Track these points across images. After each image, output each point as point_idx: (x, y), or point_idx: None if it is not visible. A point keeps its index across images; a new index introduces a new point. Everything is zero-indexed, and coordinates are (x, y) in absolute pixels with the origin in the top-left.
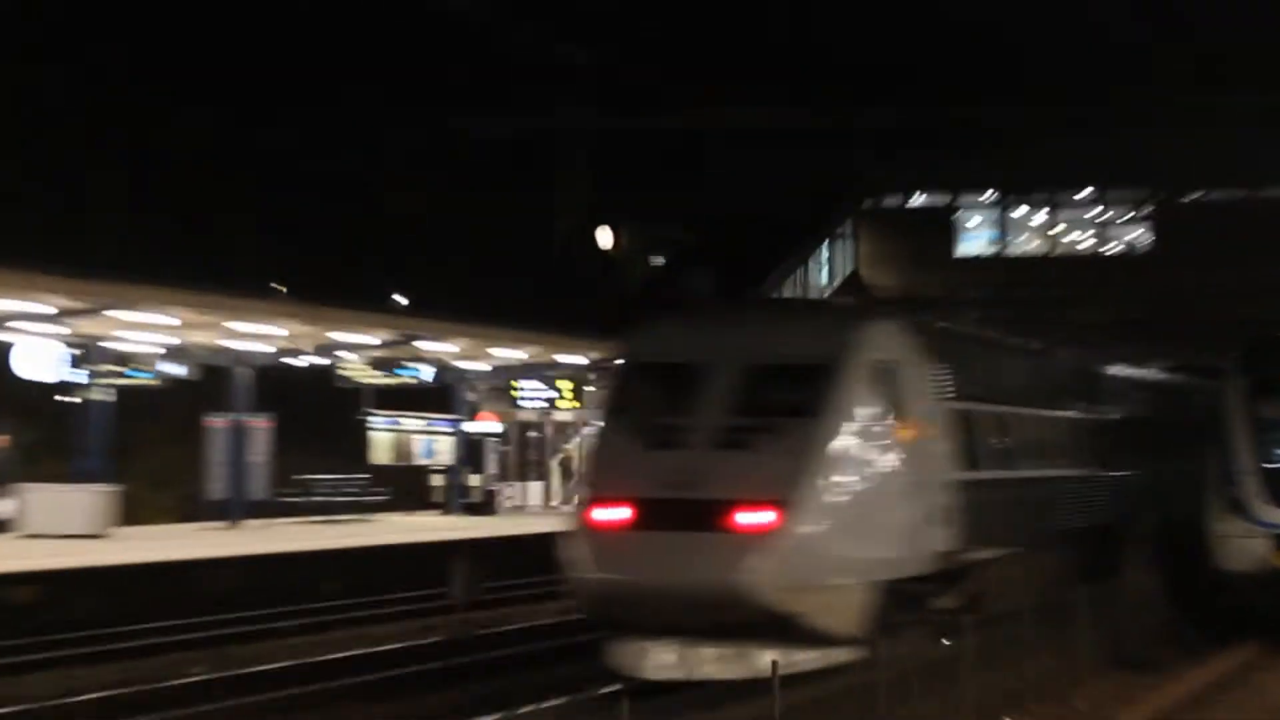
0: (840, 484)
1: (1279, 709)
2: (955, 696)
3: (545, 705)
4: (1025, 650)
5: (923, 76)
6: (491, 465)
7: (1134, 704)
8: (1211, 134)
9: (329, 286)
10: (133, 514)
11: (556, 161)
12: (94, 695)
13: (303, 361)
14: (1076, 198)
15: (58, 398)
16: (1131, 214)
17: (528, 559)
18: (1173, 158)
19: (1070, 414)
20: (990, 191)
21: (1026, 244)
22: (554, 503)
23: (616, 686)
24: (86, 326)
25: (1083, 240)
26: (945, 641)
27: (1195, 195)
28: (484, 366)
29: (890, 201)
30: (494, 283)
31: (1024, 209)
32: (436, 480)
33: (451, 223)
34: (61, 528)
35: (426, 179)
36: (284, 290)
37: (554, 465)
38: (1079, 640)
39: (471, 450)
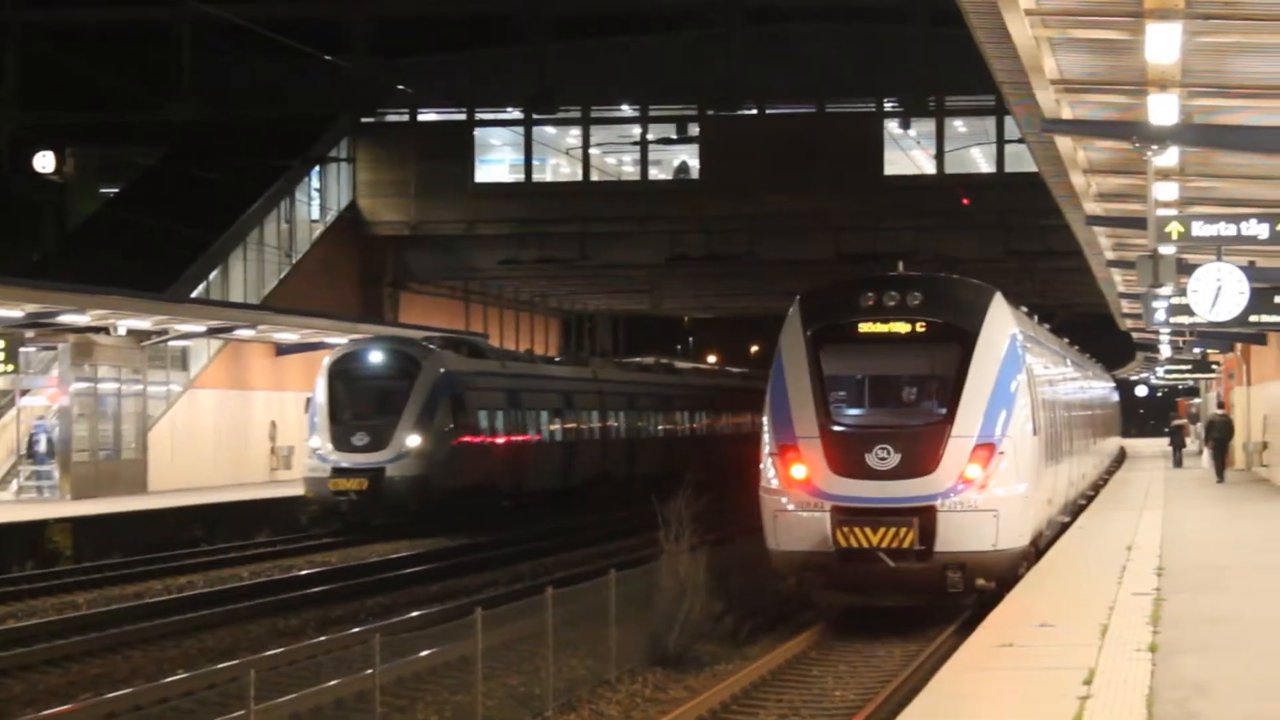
0: None
1: (835, 708)
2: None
3: None
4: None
5: None
6: None
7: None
8: (774, 34)
9: None
10: None
11: None
12: None
13: None
14: (614, 114)
15: None
16: (676, 134)
17: None
18: (725, 64)
19: None
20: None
21: (559, 170)
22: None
23: None
24: None
25: (625, 165)
26: None
27: (750, 110)
28: None
29: (395, 117)
30: None
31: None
32: None
33: None
34: None
35: None
36: None
37: None
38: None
39: None
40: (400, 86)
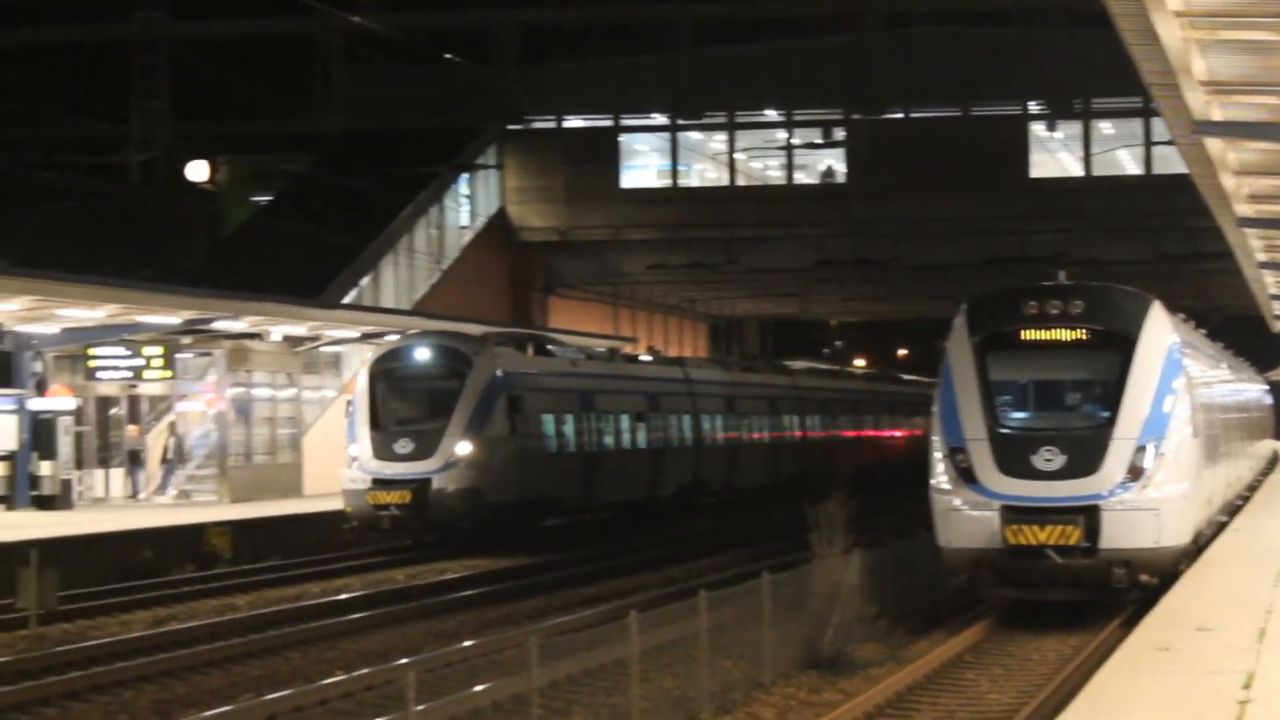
0: None
1: (991, 712)
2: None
3: None
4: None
5: None
6: (66, 450)
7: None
8: (918, 38)
9: None
10: None
11: (131, 77)
12: None
13: None
14: (760, 119)
15: None
16: (821, 139)
17: (112, 561)
18: (869, 69)
19: None
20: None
21: (704, 175)
22: (146, 493)
23: None
24: None
25: (771, 169)
26: None
27: (896, 115)
28: (51, 330)
29: (541, 124)
30: (61, 227)
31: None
32: None
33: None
34: None
35: None
36: None
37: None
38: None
39: (40, 432)
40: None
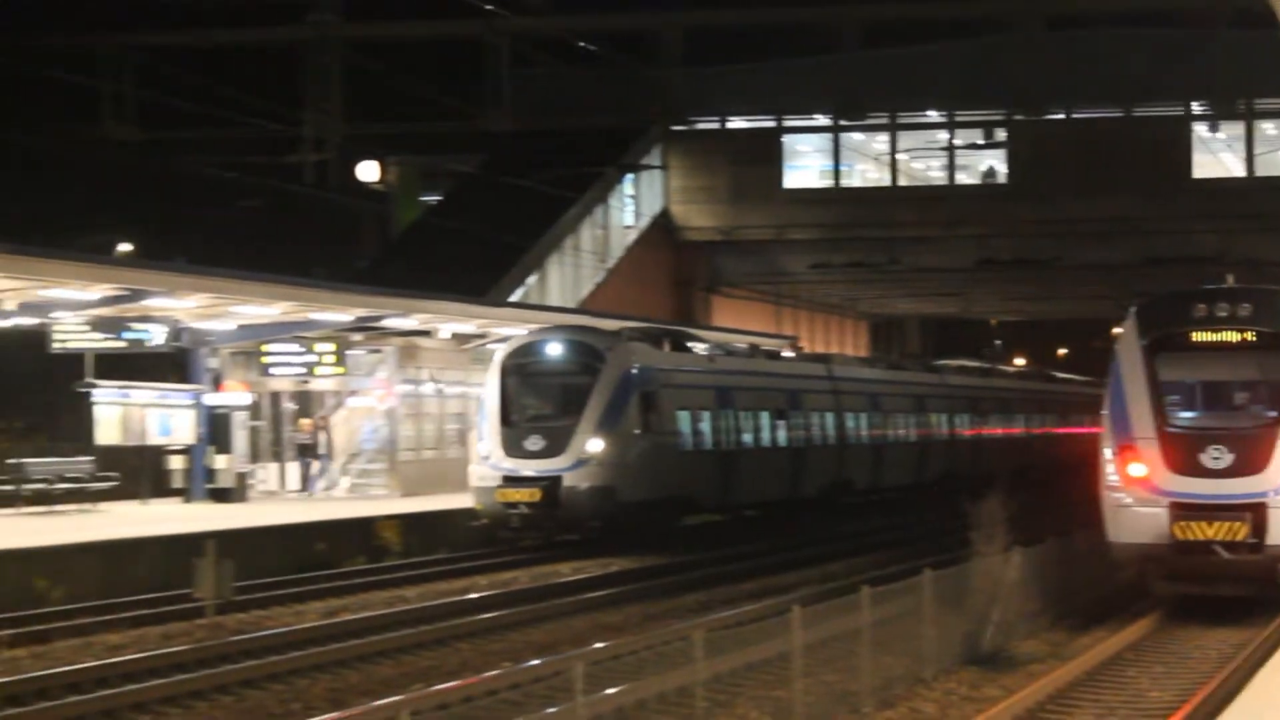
0: None
1: (1151, 708)
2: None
3: None
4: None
5: None
6: (241, 444)
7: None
8: (1079, 40)
9: (36, 231)
10: None
11: (304, 79)
12: None
13: (6, 323)
14: (921, 119)
15: None
16: (983, 139)
17: (285, 553)
18: (1030, 70)
19: None
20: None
21: (866, 175)
22: (318, 487)
23: None
24: None
25: (932, 170)
26: None
27: (1058, 115)
28: (228, 327)
29: (705, 125)
30: (236, 227)
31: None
32: (175, 462)
33: (175, 155)
34: None
35: (142, 101)
36: None
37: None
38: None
39: (216, 426)
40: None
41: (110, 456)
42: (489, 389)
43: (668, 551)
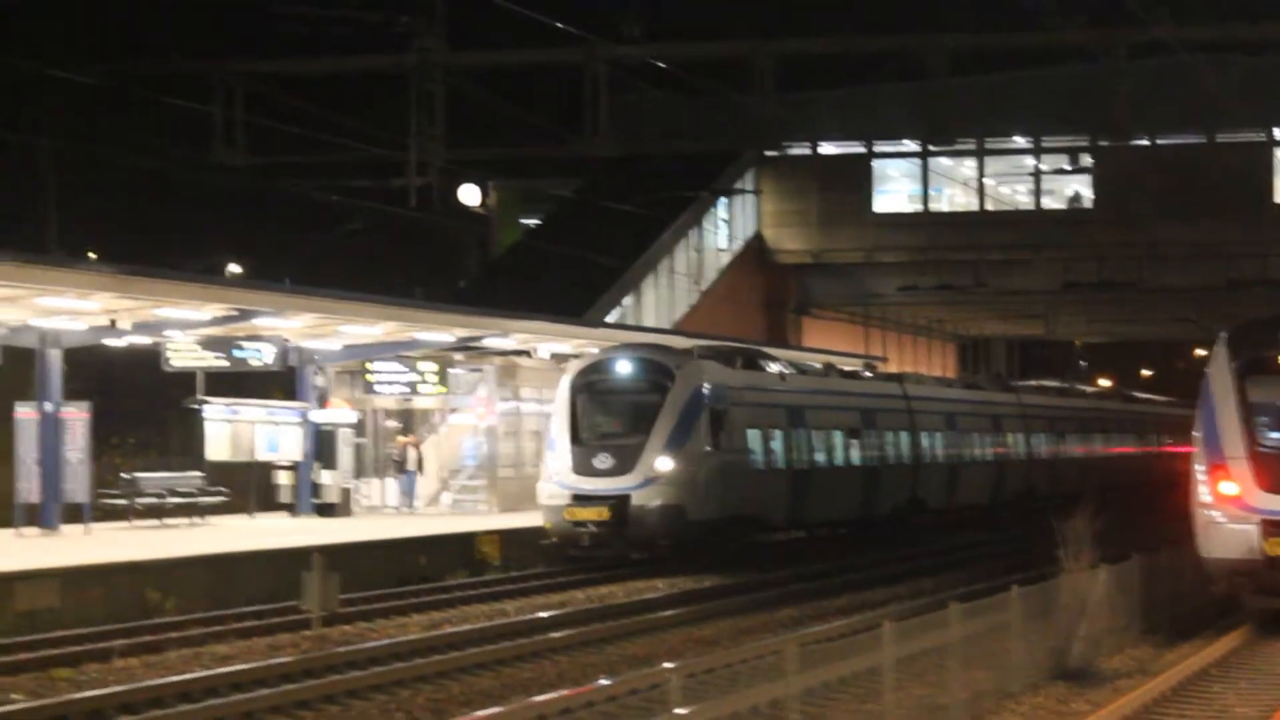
0: None
1: None
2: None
3: None
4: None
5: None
6: (345, 460)
7: None
8: (1163, 67)
9: (148, 253)
10: None
11: (408, 105)
12: None
13: (122, 341)
14: (1008, 145)
15: None
16: (1069, 165)
17: (389, 567)
18: (1115, 97)
19: None
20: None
21: (954, 199)
22: (412, 503)
23: None
24: None
25: (1019, 194)
26: None
27: (1142, 141)
28: (335, 346)
29: (797, 150)
30: (341, 249)
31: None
32: (282, 478)
33: (282, 179)
34: None
35: (251, 126)
36: (92, 256)
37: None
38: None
39: (322, 443)
40: (801, 121)
41: (219, 472)
42: (558, 407)
43: (757, 568)
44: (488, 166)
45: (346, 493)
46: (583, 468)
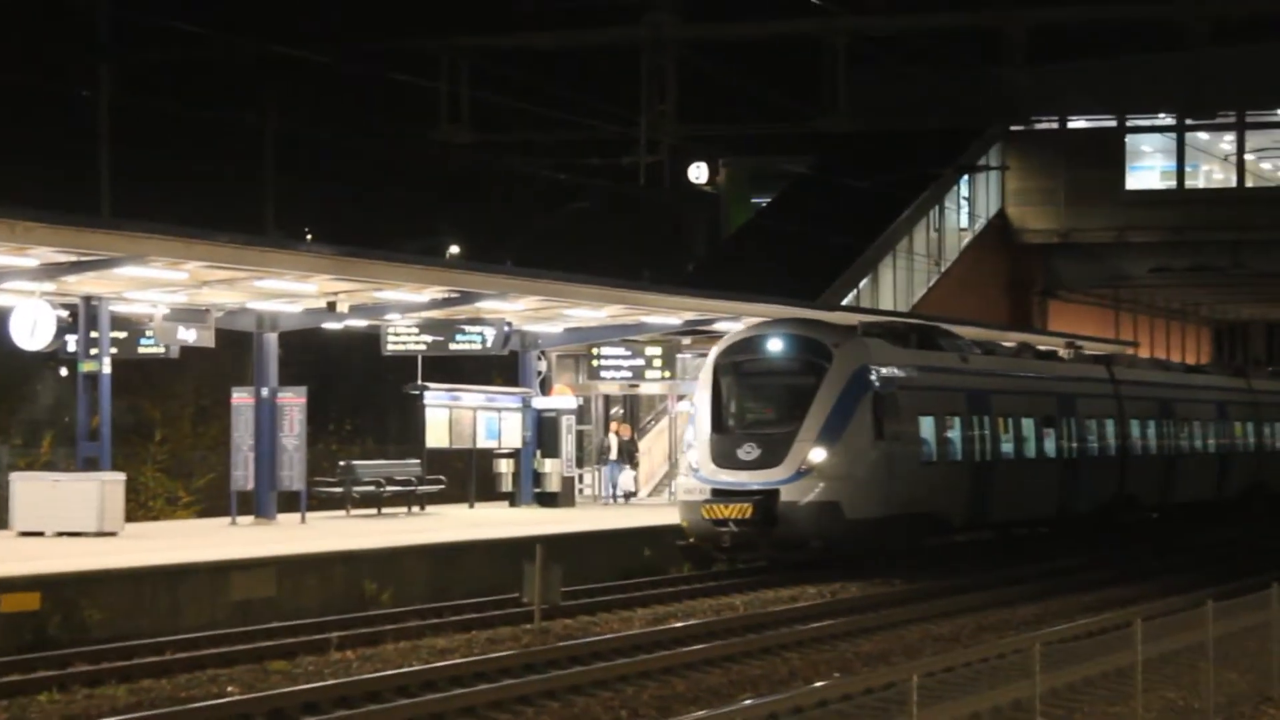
0: None
1: None
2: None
3: None
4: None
5: None
6: (568, 448)
7: None
8: None
9: (367, 233)
10: (143, 508)
11: (639, 80)
12: None
13: (339, 325)
14: (1272, 118)
15: (60, 371)
16: None
17: (612, 558)
18: None
19: None
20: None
21: (1210, 176)
22: (634, 491)
23: None
24: (79, 285)
25: None
26: None
27: None
28: (557, 329)
29: (1044, 125)
30: (564, 229)
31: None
32: (503, 466)
33: (507, 157)
34: (60, 524)
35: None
36: (309, 237)
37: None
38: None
39: (544, 430)
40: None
41: (438, 459)
42: (700, 391)
43: (997, 564)
44: (720, 143)
45: (569, 482)
46: (725, 459)
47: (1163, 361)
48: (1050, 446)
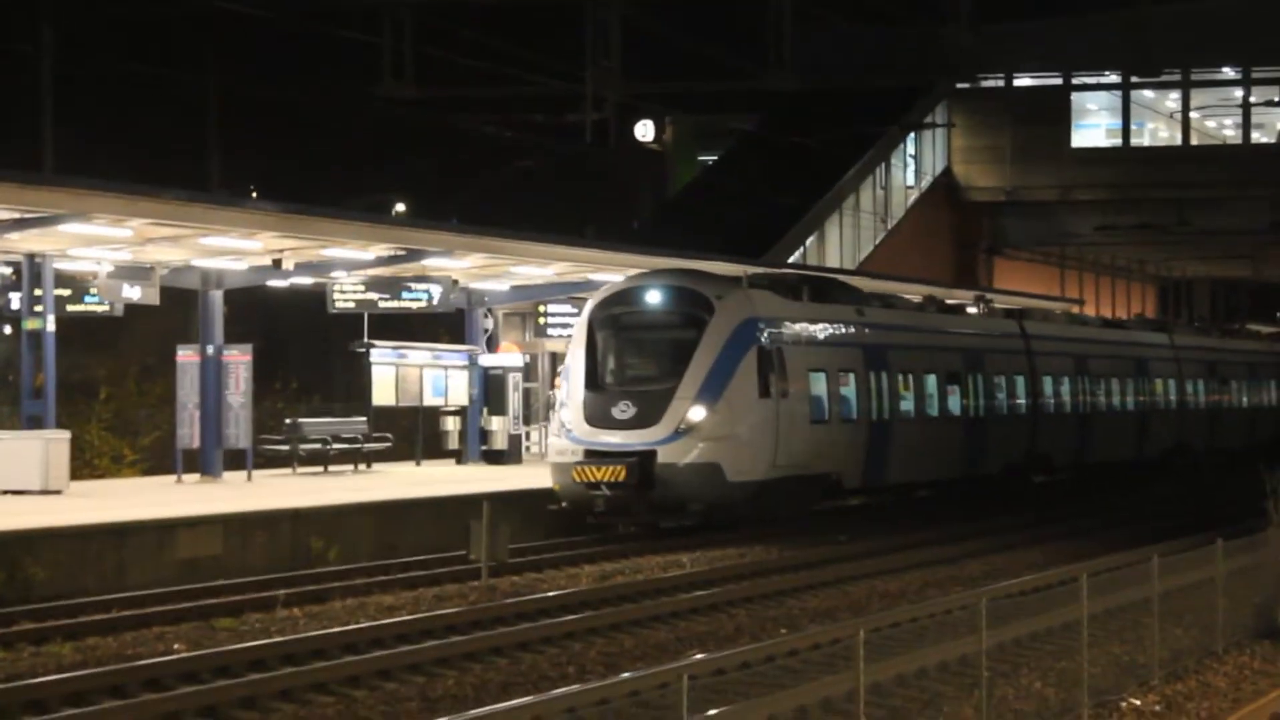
0: None
1: None
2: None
3: None
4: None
5: None
6: (514, 406)
7: None
8: None
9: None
10: (89, 466)
11: (586, 36)
12: (51, 677)
13: (284, 282)
14: (1216, 76)
15: (3, 329)
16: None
17: (559, 516)
18: None
19: None
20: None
21: (1156, 134)
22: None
23: None
24: (22, 242)
25: (1226, 128)
26: None
27: None
28: (504, 287)
29: (990, 83)
30: (511, 186)
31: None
32: (449, 424)
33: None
34: (4, 482)
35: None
36: (254, 194)
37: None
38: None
39: (490, 388)
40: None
41: (384, 417)
42: (574, 346)
43: (939, 522)
44: (665, 101)
45: (516, 439)
46: (599, 419)
47: (1080, 316)
48: (954, 404)
